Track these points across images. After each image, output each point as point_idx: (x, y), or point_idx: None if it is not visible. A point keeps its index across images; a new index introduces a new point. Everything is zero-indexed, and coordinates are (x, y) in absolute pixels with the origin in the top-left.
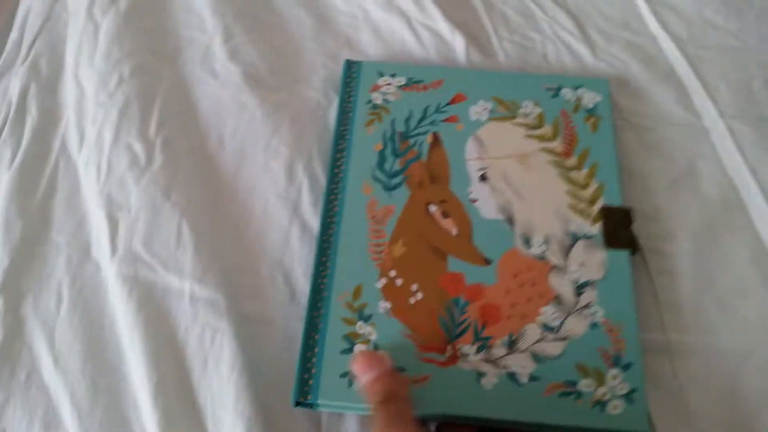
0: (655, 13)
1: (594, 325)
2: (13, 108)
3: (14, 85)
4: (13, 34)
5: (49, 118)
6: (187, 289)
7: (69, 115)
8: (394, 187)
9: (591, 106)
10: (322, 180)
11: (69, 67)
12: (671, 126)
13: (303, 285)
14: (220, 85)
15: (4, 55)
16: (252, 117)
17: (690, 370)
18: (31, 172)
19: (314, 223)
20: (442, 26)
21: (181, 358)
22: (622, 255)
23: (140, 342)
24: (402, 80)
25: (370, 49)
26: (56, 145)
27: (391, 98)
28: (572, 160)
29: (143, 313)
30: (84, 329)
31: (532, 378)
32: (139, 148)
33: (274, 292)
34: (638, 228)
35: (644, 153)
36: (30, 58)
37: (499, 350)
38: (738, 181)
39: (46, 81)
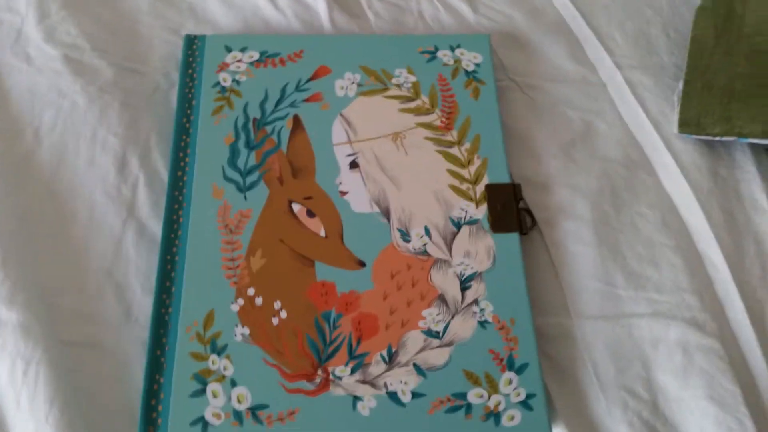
0: None
1: (482, 324)
2: None
3: None
4: None
5: None
6: None
7: None
8: (250, 187)
9: (471, 68)
10: (164, 175)
11: None
12: (563, 83)
13: (141, 300)
14: (35, 72)
15: None
16: (73, 105)
17: (600, 356)
18: None
19: (155, 226)
20: None
21: None
22: (512, 238)
23: None
24: (254, 55)
25: (219, 18)
26: None
27: (242, 78)
28: (452, 134)
29: None
30: None
31: (416, 395)
32: None
33: (104, 311)
34: (532, 201)
35: (534, 116)
36: None
37: (377, 367)
38: (641, 137)
39: None
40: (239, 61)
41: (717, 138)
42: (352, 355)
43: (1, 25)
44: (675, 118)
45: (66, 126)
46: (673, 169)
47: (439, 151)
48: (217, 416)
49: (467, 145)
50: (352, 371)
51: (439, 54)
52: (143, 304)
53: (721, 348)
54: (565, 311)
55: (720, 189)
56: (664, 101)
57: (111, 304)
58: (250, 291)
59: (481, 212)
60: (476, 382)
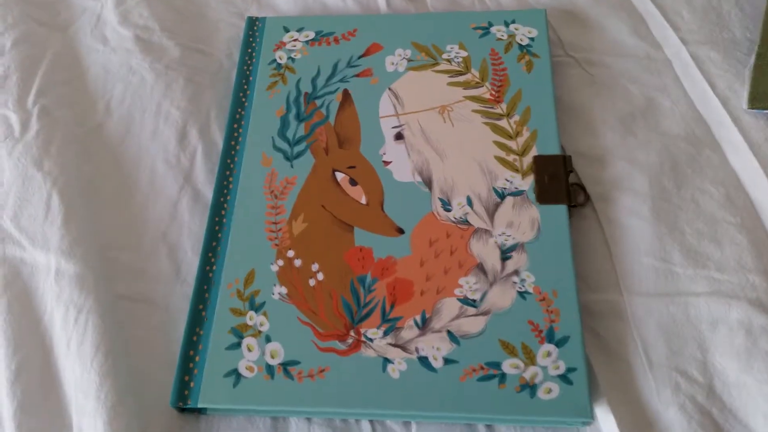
0: None
1: (522, 295)
2: None
3: None
4: None
5: None
6: (53, 264)
7: None
8: (297, 156)
9: (525, 42)
10: (221, 145)
11: None
12: (624, 58)
13: (191, 260)
14: (110, 52)
15: None
16: (141, 80)
17: (652, 335)
18: None
19: (209, 192)
20: None
21: (45, 342)
22: (559, 210)
23: (2, 326)
24: (310, 34)
25: (281, 4)
26: None
27: (297, 56)
28: (501, 107)
29: (8, 293)
30: None
31: (447, 361)
32: (14, 118)
33: (156, 269)
34: (586, 175)
35: (593, 91)
36: None
37: (409, 332)
38: (707, 114)
39: None
40: (295, 40)
41: None
42: (385, 319)
43: (85, 11)
44: (745, 93)
45: (134, 99)
46: (741, 145)
47: (486, 123)
48: (250, 369)
49: (516, 118)
50: (384, 334)
51: (493, 29)
52: (192, 264)
53: None
54: (615, 288)
55: None
56: (733, 77)
57: (163, 263)
58: (290, 253)
59: (527, 184)
60: (512, 353)
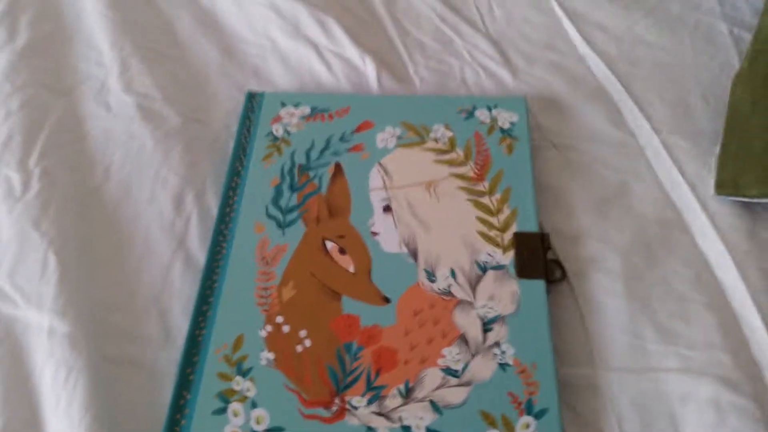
0: (582, 32)
1: (503, 367)
2: None
3: None
4: None
5: None
6: (46, 323)
7: None
8: (289, 224)
9: (507, 126)
10: (215, 212)
11: None
12: (600, 144)
13: (181, 324)
14: (112, 118)
15: None
16: (141, 146)
17: (626, 409)
18: None
19: (202, 257)
20: (352, 53)
21: (33, 400)
22: (538, 285)
23: None
24: (306, 110)
25: (279, 79)
26: None
27: (292, 129)
28: (484, 185)
29: (0, 350)
30: None
31: (429, 431)
32: (16, 178)
33: (147, 332)
34: (562, 252)
35: (568, 174)
36: None
37: (393, 401)
38: (677, 198)
39: None
40: (292, 114)
41: (755, 200)
42: (369, 387)
43: (89, 77)
44: (712, 180)
45: (133, 164)
46: (708, 229)
47: (470, 200)
48: None
49: (498, 196)
50: (369, 402)
51: (477, 113)
52: (182, 327)
53: (758, 410)
54: (590, 362)
55: (759, 250)
56: (701, 165)
57: (153, 326)
58: (279, 319)
59: (507, 258)
60: (492, 423)
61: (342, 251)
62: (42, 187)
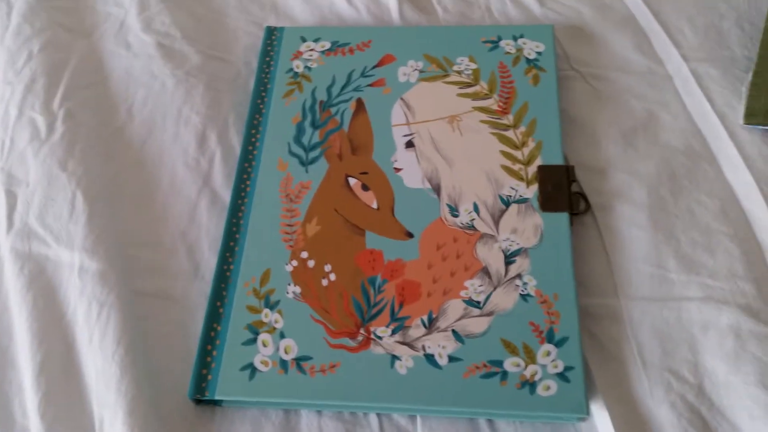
0: None
1: (525, 297)
2: None
3: None
4: None
5: None
6: (76, 261)
7: None
8: (312, 162)
9: (533, 56)
10: (238, 150)
11: None
12: (628, 74)
13: (209, 259)
14: (132, 57)
15: None
16: (163, 86)
17: (646, 337)
18: None
19: (226, 195)
20: None
21: (68, 335)
22: (561, 218)
23: (27, 320)
24: (326, 44)
25: (298, 14)
26: None
27: (313, 65)
28: (508, 118)
29: (33, 289)
30: None
31: (452, 359)
32: (40, 121)
33: (176, 267)
34: (587, 185)
35: (596, 104)
36: None
37: (416, 330)
38: (704, 128)
39: None
40: (312, 50)
41: None
42: (393, 318)
43: (109, 17)
44: (742, 109)
45: (155, 104)
46: (736, 159)
47: (493, 134)
48: (265, 364)
49: (522, 129)
50: (393, 332)
51: (502, 43)
52: (210, 262)
53: None
54: (612, 292)
55: None
56: (731, 93)
57: (182, 261)
58: (304, 254)
59: (531, 192)
60: (513, 351)
61: (365, 187)
62: (67, 128)
